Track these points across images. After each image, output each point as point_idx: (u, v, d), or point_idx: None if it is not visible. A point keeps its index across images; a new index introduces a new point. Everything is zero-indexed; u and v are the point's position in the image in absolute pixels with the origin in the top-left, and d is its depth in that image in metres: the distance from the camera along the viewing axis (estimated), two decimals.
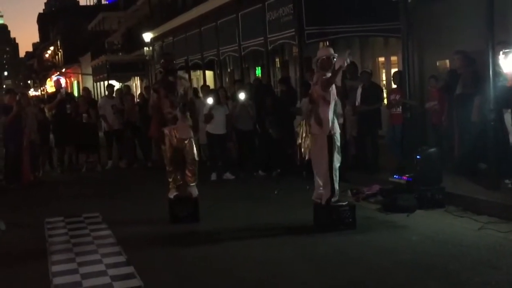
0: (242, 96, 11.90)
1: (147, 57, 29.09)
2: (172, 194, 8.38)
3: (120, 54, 37.06)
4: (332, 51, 7.62)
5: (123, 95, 15.15)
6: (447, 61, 12.06)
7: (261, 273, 5.94)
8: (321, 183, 7.52)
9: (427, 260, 6.02)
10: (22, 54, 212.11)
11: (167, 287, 5.75)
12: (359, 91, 10.65)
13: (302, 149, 11.08)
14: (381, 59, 15.36)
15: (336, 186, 7.46)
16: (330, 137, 7.36)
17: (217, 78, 21.24)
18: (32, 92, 66.31)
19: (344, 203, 7.51)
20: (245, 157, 12.49)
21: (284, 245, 6.87)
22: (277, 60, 20.14)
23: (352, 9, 12.13)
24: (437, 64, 12.53)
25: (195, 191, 8.40)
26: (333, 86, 7.44)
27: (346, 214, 7.38)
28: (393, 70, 12.82)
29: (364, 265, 6.03)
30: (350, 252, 6.48)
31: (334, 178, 7.40)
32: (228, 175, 11.68)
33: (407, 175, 8.61)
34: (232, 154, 12.63)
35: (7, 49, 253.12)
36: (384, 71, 15.37)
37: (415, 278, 5.56)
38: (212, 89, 14.28)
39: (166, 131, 8.26)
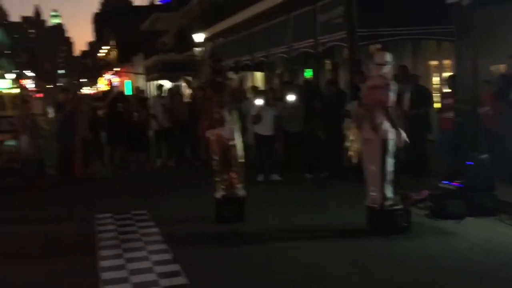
0: (290, 97, 11.88)
1: (198, 58, 29.37)
2: (219, 194, 8.44)
3: (172, 54, 37.53)
4: (388, 57, 7.51)
5: (173, 95, 15.33)
6: (501, 65, 11.76)
7: (305, 276, 5.92)
8: (372, 187, 7.44)
9: (476, 268, 5.89)
10: (77, 53, 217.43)
11: (212, 286, 5.79)
12: (407, 95, 10.49)
13: (350, 152, 11.08)
14: (434, 62, 15.08)
15: (389, 190, 7.38)
16: (385, 142, 7.28)
17: (266, 79, 21.26)
18: (85, 90, 67.82)
19: (399, 207, 7.42)
20: (292, 159, 12.47)
21: (329, 248, 6.83)
22: (327, 62, 20.02)
23: (404, 12, 11.94)
24: (491, 68, 12.22)
25: (241, 192, 8.44)
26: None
27: (400, 218, 7.31)
28: (446, 74, 12.58)
29: (410, 270, 5.94)
30: (397, 257, 6.39)
31: (387, 182, 7.32)
32: (275, 177, 11.67)
33: (457, 181, 8.43)
34: (279, 156, 12.62)
35: (63, 48, 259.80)
36: (436, 75, 15.08)
37: (463, 286, 5.45)
38: (261, 90, 14.33)
39: (214, 132, 8.33)
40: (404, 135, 7.40)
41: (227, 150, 8.38)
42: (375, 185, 7.40)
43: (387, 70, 7.45)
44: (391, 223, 7.27)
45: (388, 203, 7.34)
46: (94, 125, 13.66)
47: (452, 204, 7.97)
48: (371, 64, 7.58)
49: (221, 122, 8.27)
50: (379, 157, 7.29)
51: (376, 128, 7.27)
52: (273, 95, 12.89)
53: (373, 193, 7.48)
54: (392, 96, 7.30)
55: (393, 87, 7.34)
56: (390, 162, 7.35)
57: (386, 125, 7.28)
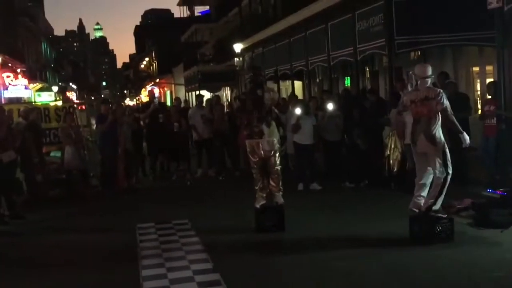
0: (330, 106, 11.86)
1: (237, 68, 29.58)
2: (258, 203, 8.48)
3: (211, 64, 37.89)
4: (430, 70, 7.49)
5: (213, 105, 15.46)
6: None
7: (345, 285, 5.89)
8: (423, 193, 7.45)
9: None
10: (119, 65, 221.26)
11: None
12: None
13: (391, 161, 11.00)
14: (476, 68, 14.85)
15: (440, 202, 7.34)
16: (444, 153, 7.25)
17: (305, 88, 21.27)
18: (127, 102, 68.91)
19: (444, 215, 7.36)
20: (331, 168, 12.43)
21: (369, 257, 6.79)
22: (367, 70, 19.92)
23: (444, 18, 11.82)
24: None
25: (280, 200, 8.47)
26: None
27: (444, 227, 7.24)
28: (488, 80, 12.38)
29: (452, 281, 5.86)
30: (438, 267, 6.31)
31: (444, 190, 7.30)
32: (315, 186, 11.64)
33: (501, 189, 8.27)
34: (319, 165, 12.59)
35: (106, 60, 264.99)
36: (478, 81, 14.85)
37: None
38: (300, 99, 14.34)
39: (252, 143, 8.42)
40: (467, 138, 7.41)
41: (266, 159, 8.44)
42: (432, 191, 7.35)
43: (431, 81, 7.52)
44: (434, 231, 7.20)
45: (436, 207, 7.30)
46: (136, 136, 13.87)
47: (496, 212, 7.81)
48: (415, 78, 7.54)
49: (260, 135, 8.34)
50: (440, 167, 7.26)
51: (432, 140, 7.24)
52: (316, 104, 12.88)
53: (419, 199, 7.45)
54: (447, 103, 7.29)
55: (445, 95, 7.33)
56: (450, 171, 7.29)
57: (441, 134, 7.28)
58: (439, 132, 7.31)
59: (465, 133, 7.44)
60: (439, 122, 7.32)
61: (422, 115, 7.38)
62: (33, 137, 11.76)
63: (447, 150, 7.32)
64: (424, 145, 7.36)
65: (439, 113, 7.30)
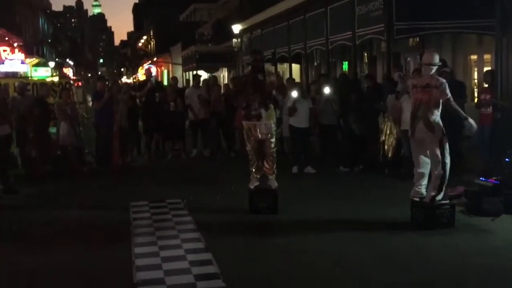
0: (326, 90, 11.85)
1: (235, 49, 29.46)
2: (252, 185, 8.52)
3: (210, 45, 37.74)
4: (437, 59, 7.52)
5: (210, 86, 15.42)
6: None
7: (335, 268, 5.95)
8: (423, 182, 7.51)
9: (509, 266, 5.83)
10: (117, 42, 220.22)
11: (242, 276, 5.85)
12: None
13: (386, 147, 11.03)
14: (474, 57, 14.86)
15: (444, 188, 7.41)
16: (442, 140, 7.28)
17: (303, 71, 21.23)
18: (124, 80, 68.69)
19: (446, 201, 7.42)
20: (327, 152, 12.45)
21: (361, 242, 6.83)
22: (365, 55, 19.89)
23: (444, 4, 11.77)
24: None
25: (274, 183, 8.50)
26: None
27: (446, 213, 7.31)
28: (486, 69, 12.38)
29: (440, 266, 5.91)
30: (428, 252, 6.36)
31: (446, 180, 7.34)
32: (309, 169, 11.67)
33: (494, 178, 8.31)
34: (315, 148, 12.61)
35: (104, 37, 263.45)
36: (476, 69, 14.86)
37: (493, 284, 5.42)
38: (297, 82, 14.30)
39: (249, 124, 8.44)
40: (473, 122, 7.44)
41: (261, 141, 8.46)
42: (433, 180, 7.39)
43: (436, 70, 7.51)
44: (435, 217, 7.27)
45: (439, 197, 7.36)
46: (132, 114, 13.85)
47: (488, 201, 7.87)
48: (422, 64, 7.55)
49: (258, 118, 8.35)
50: (437, 156, 7.28)
51: (431, 127, 7.25)
52: (317, 87, 12.84)
53: (419, 188, 7.51)
54: (449, 93, 7.31)
55: (446, 84, 7.34)
56: (448, 161, 7.33)
57: (440, 122, 7.30)
58: (438, 120, 7.32)
59: (470, 119, 7.45)
60: (439, 111, 7.33)
61: (422, 101, 7.39)
62: (40, 112, 11.68)
63: (446, 139, 7.34)
64: (422, 132, 7.38)
65: (440, 102, 7.29)
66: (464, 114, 7.49)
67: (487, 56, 13.90)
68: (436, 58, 7.52)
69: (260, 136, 8.42)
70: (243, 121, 8.65)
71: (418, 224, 7.35)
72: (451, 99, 7.33)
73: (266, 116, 8.39)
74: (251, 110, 8.38)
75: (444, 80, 7.42)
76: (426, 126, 7.32)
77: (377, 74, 17.02)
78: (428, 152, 7.45)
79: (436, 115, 7.33)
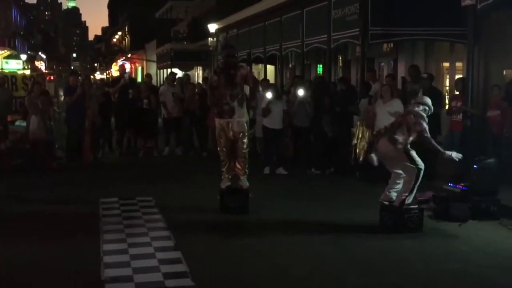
0: (300, 92, 11.91)
1: (211, 48, 29.38)
2: (224, 185, 8.52)
3: (185, 43, 37.57)
4: (429, 101, 7.61)
5: (184, 84, 15.37)
6: None
7: (303, 271, 5.97)
8: (397, 186, 7.56)
9: (475, 272, 5.92)
10: (91, 37, 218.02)
11: (212, 274, 5.84)
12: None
13: (357, 150, 11.12)
14: (446, 64, 15.04)
15: (414, 193, 7.50)
16: (408, 154, 7.37)
17: (278, 73, 21.27)
18: (98, 75, 68.00)
19: (415, 206, 7.50)
20: (299, 154, 12.51)
21: (330, 244, 6.87)
22: (340, 58, 20.01)
23: (418, 12, 11.91)
24: (504, 73, 12.19)
25: (245, 183, 8.51)
26: None
27: (414, 217, 7.38)
28: (457, 76, 12.55)
29: (408, 270, 5.98)
30: (396, 257, 6.43)
31: (416, 185, 7.42)
32: (281, 170, 11.71)
33: (462, 184, 8.43)
34: (288, 150, 12.65)
35: (78, 31, 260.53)
36: (448, 76, 15.05)
37: None
38: (271, 83, 14.33)
39: (222, 122, 8.40)
40: (451, 153, 7.49)
41: (234, 141, 8.45)
42: (405, 184, 7.47)
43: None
44: (405, 222, 7.34)
45: (409, 201, 7.45)
46: (104, 110, 13.73)
47: (456, 206, 7.98)
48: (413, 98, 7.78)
49: (230, 114, 8.31)
50: (408, 166, 7.38)
51: (393, 141, 7.36)
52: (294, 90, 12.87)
53: (390, 192, 7.58)
54: (426, 126, 7.39)
55: (425, 119, 7.44)
56: (421, 165, 7.40)
57: (402, 140, 7.37)
58: (403, 140, 7.37)
59: (446, 152, 7.50)
60: (409, 137, 7.37)
61: (400, 121, 7.48)
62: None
63: (412, 151, 7.40)
64: (385, 145, 7.47)
65: (412, 130, 7.35)
66: (439, 148, 7.54)
67: (458, 64, 14.08)
68: (429, 101, 7.56)
69: (232, 134, 8.39)
70: (216, 118, 8.61)
71: (387, 227, 7.42)
72: (426, 133, 7.36)
73: (239, 112, 8.35)
74: (224, 105, 8.33)
75: (423, 115, 7.43)
76: (389, 140, 7.42)
77: (351, 78, 17.11)
78: (397, 166, 7.51)
79: (403, 136, 7.35)
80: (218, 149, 8.71)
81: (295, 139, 12.46)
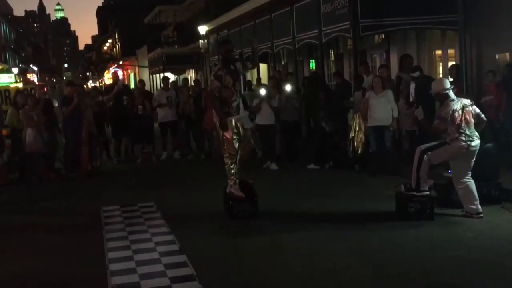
0: (288, 87, 12.02)
1: (202, 50, 29.36)
2: (238, 192, 8.14)
3: (176, 46, 37.53)
4: (446, 85, 7.68)
5: (178, 88, 15.36)
6: (507, 54, 11.74)
7: (308, 266, 5.97)
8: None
9: (481, 257, 5.92)
10: (81, 46, 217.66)
11: (218, 276, 5.83)
12: (413, 85, 10.47)
13: (355, 143, 11.13)
14: (438, 52, 15.06)
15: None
16: None
17: (271, 71, 21.25)
18: (90, 84, 67.89)
19: (427, 194, 7.57)
20: (288, 148, 12.62)
21: (333, 238, 6.86)
22: (332, 52, 20.00)
23: (407, 1, 11.95)
24: (497, 57, 12.21)
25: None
26: None
27: (427, 204, 7.47)
28: (450, 64, 12.57)
29: (415, 259, 5.98)
30: (402, 246, 6.43)
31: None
32: (273, 166, 11.83)
33: None
34: (282, 146, 12.73)
35: (68, 41, 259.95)
36: (441, 64, 15.07)
37: (468, 274, 5.48)
38: (263, 83, 14.42)
39: (232, 120, 8.06)
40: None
41: (242, 139, 8.20)
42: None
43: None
44: (420, 209, 7.44)
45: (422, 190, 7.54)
46: (99, 119, 13.70)
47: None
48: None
49: (238, 110, 8.11)
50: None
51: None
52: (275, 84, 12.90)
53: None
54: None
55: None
56: None
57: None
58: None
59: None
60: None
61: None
62: None
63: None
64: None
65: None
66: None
67: (451, 51, 14.09)
68: (444, 85, 7.66)
69: (244, 132, 8.18)
70: (228, 119, 8.03)
71: (404, 215, 7.47)
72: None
73: (243, 108, 8.21)
74: (233, 102, 8.02)
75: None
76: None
77: (344, 71, 17.12)
78: None
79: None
80: (227, 154, 8.15)
81: (284, 134, 12.54)
